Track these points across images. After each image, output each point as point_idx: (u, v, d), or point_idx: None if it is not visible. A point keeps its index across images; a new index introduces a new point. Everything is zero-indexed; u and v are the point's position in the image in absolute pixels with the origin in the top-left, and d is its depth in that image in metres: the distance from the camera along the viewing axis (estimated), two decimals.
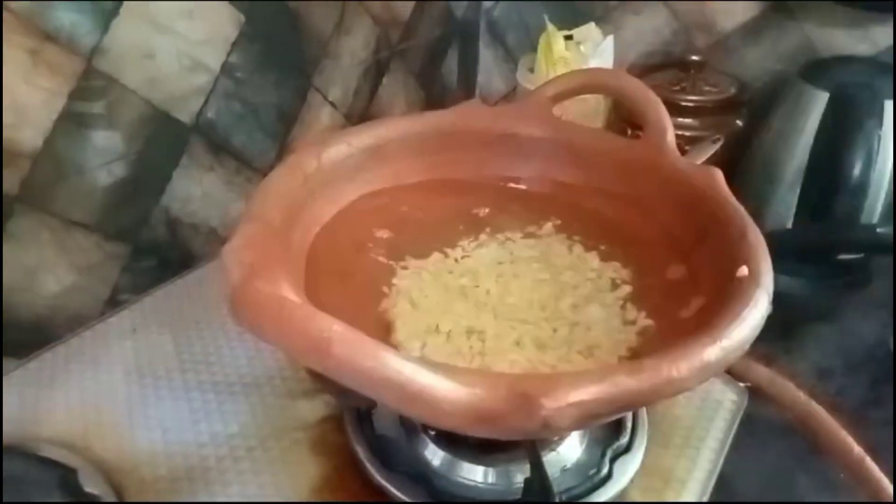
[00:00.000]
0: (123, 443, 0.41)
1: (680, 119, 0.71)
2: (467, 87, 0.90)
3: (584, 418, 0.25)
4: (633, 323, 0.36)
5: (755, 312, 0.29)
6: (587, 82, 0.46)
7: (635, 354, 0.34)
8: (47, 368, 0.46)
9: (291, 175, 0.38)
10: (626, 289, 0.38)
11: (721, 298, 0.31)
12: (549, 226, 0.43)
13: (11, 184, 0.49)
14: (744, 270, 0.32)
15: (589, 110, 0.71)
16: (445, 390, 0.24)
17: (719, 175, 0.39)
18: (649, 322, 0.36)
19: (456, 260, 0.41)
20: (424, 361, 0.25)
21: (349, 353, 0.23)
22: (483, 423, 0.25)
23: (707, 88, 0.74)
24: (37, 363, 0.46)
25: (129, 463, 0.40)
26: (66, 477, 0.38)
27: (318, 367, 0.24)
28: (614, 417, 0.38)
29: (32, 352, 0.48)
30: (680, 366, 0.27)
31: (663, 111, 0.42)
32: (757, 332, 0.29)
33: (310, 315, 0.24)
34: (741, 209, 0.36)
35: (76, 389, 0.44)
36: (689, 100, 0.73)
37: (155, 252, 0.60)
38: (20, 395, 0.43)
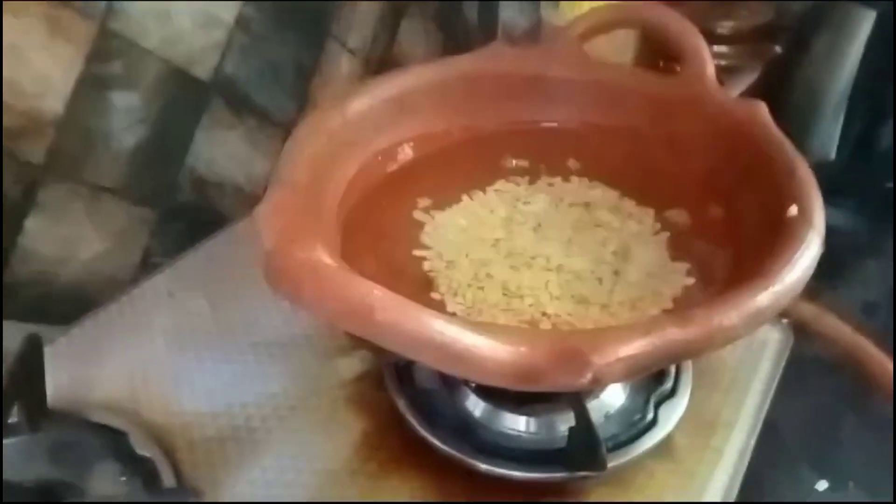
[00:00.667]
0: (170, 406, 0.41)
1: (715, 47, 0.67)
2: (488, 25, 0.87)
3: (632, 372, 0.25)
4: (676, 271, 0.35)
5: (807, 255, 0.28)
6: (619, 17, 0.44)
7: (679, 304, 0.33)
8: (90, 336, 0.46)
9: (316, 133, 0.37)
10: (666, 234, 0.37)
11: (770, 240, 0.30)
12: (583, 170, 0.41)
13: (38, 154, 0.48)
14: (794, 210, 0.30)
15: (617, 44, 0.68)
16: (490, 349, 0.24)
17: (764, 109, 0.37)
18: (691, 268, 0.34)
19: (491, 210, 0.40)
20: (468, 321, 0.24)
21: (391, 318, 0.23)
22: (530, 380, 0.24)
23: (743, 13, 0.70)
24: (79, 330, 0.47)
25: (177, 425, 0.40)
26: (117, 440, 0.39)
27: (359, 332, 0.24)
28: (664, 367, 0.37)
29: (74, 319, 0.48)
30: (730, 314, 0.26)
31: (702, 43, 0.39)
32: (809, 274, 0.28)
33: (349, 280, 0.24)
34: (788, 145, 0.34)
35: (120, 355, 0.45)
36: (725, 26, 0.69)
37: (183, 214, 0.59)
38: (67, 362, 0.44)
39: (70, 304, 0.52)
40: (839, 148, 0.64)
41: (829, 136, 0.64)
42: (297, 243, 0.26)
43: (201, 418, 0.41)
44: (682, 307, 0.33)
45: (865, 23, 0.60)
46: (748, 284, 0.27)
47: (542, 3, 0.74)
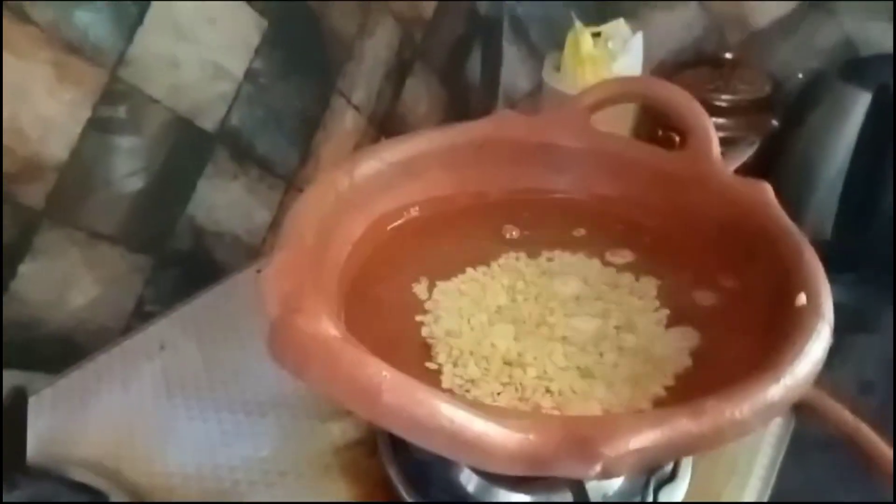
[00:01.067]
0: (154, 466, 0.40)
1: (713, 119, 0.69)
2: (491, 85, 0.88)
3: (643, 464, 0.24)
4: (678, 348, 0.34)
5: (818, 346, 0.28)
6: (626, 90, 0.44)
7: (681, 383, 0.33)
8: (76, 387, 0.45)
9: (323, 194, 0.37)
10: (666, 311, 0.37)
11: (778, 324, 0.30)
12: (588, 241, 0.41)
13: (37, 199, 0.48)
14: (802, 299, 0.30)
15: (618, 111, 0.69)
16: (498, 437, 0.23)
17: (770, 190, 0.37)
18: (696, 344, 0.34)
19: (492, 278, 0.39)
20: (475, 406, 0.24)
21: (400, 402, 0.22)
22: (538, 468, 0.24)
23: (741, 87, 0.71)
24: (66, 381, 0.46)
25: (161, 487, 0.39)
26: (96, 501, 0.37)
27: (366, 414, 0.23)
28: (672, 460, 0.36)
29: (61, 366, 0.47)
30: (742, 407, 0.25)
31: (707, 120, 0.40)
32: (820, 366, 0.28)
33: (358, 360, 0.23)
34: (795, 229, 0.34)
35: (106, 409, 0.44)
36: (723, 99, 0.70)
37: (180, 262, 0.59)
38: (50, 414, 0.43)
39: (57, 352, 0.51)
40: (836, 223, 0.65)
41: (826, 211, 0.65)
42: (302, 313, 0.26)
43: (186, 480, 0.39)
44: (683, 386, 0.32)
45: (860, 104, 0.62)
46: (759, 377, 0.26)
47: (545, 67, 0.75)
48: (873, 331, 0.61)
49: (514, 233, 0.42)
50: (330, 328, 0.26)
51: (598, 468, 0.23)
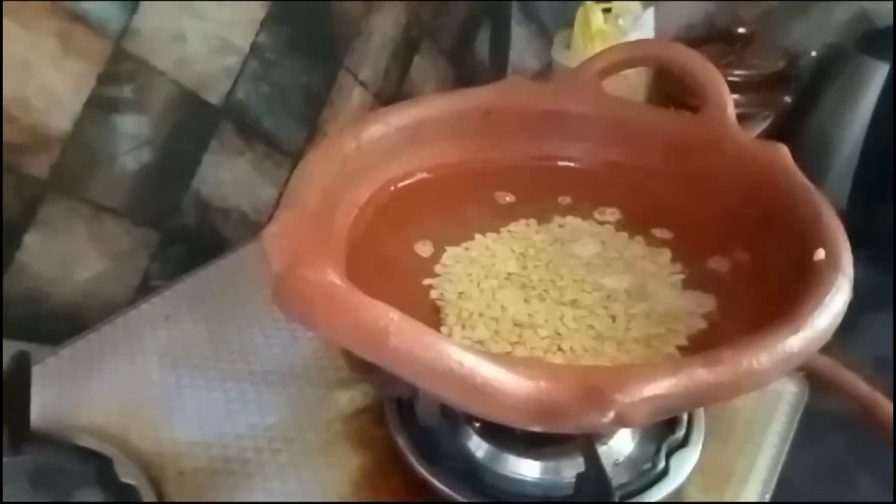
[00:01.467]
0: (160, 433, 0.40)
1: None
2: (499, 65, 0.87)
3: (657, 413, 0.23)
4: (691, 311, 0.33)
5: (837, 299, 0.27)
6: (638, 54, 0.43)
7: (694, 344, 0.32)
8: (81, 357, 0.45)
9: (329, 158, 0.37)
10: (681, 276, 0.36)
11: (796, 283, 0.29)
12: (600, 208, 0.41)
13: (42, 169, 0.48)
14: (821, 254, 0.29)
15: (629, 86, 0.68)
16: (509, 383, 0.23)
17: (786, 152, 0.36)
18: (710, 309, 0.33)
19: (504, 245, 0.39)
20: (485, 352, 0.23)
21: (408, 344, 0.22)
22: (549, 417, 0.23)
23: (755, 62, 0.70)
24: (69, 351, 0.45)
25: (167, 454, 0.39)
26: (102, 467, 0.37)
27: (373, 358, 0.22)
28: (688, 411, 0.36)
29: (66, 340, 0.47)
30: (760, 357, 0.24)
31: (723, 83, 0.39)
32: (839, 320, 0.27)
33: (364, 303, 0.22)
34: (813, 188, 0.34)
35: (111, 378, 0.43)
36: (736, 74, 0.69)
37: (185, 238, 0.58)
38: (55, 383, 0.43)
39: (63, 325, 0.50)
40: (851, 199, 0.63)
41: (841, 186, 0.64)
42: (308, 265, 0.25)
43: (192, 447, 0.39)
44: (697, 347, 0.32)
45: (878, 76, 0.60)
46: (778, 328, 0.25)
47: (555, 45, 0.75)
48: (888, 307, 0.60)
49: (527, 193, 0.41)
50: (335, 278, 0.25)
51: (611, 416, 0.23)
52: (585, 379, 0.23)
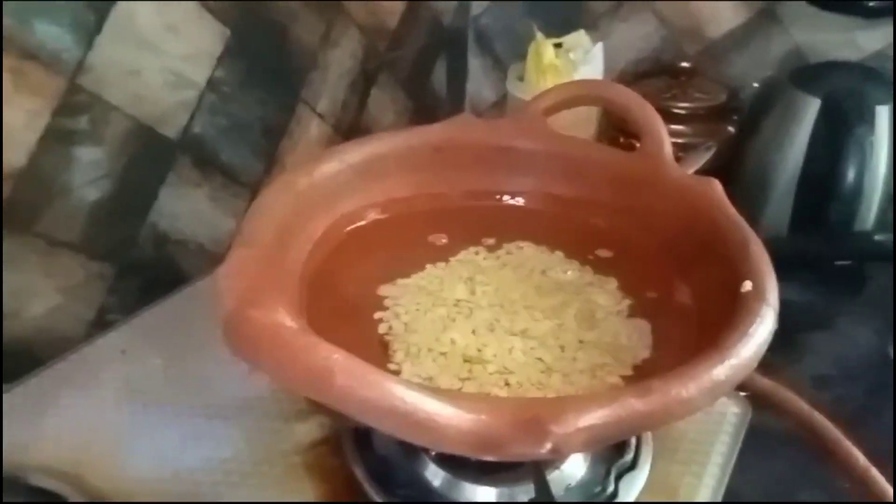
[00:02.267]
0: (115, 471, 0.39)
1: (672, 126, 0.70)
2: (456, 96, 0.89)
3: (593, 442, 0.25)
4: (637, 340, 0.35)
5: (762, 329, 0.29)
6: (581, 93, 0.45)
7: (638, 373, 0.34)
8: (34, 394, 0.44)
9: (282, 194, 0.38)
10: (627, 303, 0.38)
11: (726, 315, 0.30)
12: (546, 240, 0.42)
13: None
14: (747, 286, 0.31)
15: (580, 119, 0.71)
16: (450, 417, 0.24)
17: (718, 187, 0.38)
18: (651, 340, 0.35)
19: (451, 271, 0.40)
20: (428, 388, 0.24)
21: (352, 384, 0.23)
22: (490, 449, 0.24)
23: (698, 95, 0.74)
24: (22, 388, 0.45)
25: (123, 492, 0.38)
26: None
27: (319, 398, 0.23)
28: (623, 439, 0.37)
29: (18, 377, 0.46)
30: (688, 386, 0.26)
31: (660, 122, 0.41)
32: (764, 349, 0.29)
33: (309, 344, 0.23)
34: (742, 222, 0.36)
35: (65, 415, 0.43)
36: (681, 107, 0.73)
37: (142, 271, 0.58)
38: (7, 422, 0.42)
39: (15, 362, 0.50)
40: (791, 224, 0.67)
41: (781, 212, 0.67)
42: (257, 305, 0.26)
43: (147, 484, 0.39)
44: (640, 376, 0.33)
45: (811, 110, 0.64)
46: (705, 358, 0.27)
47: (508, 77, 0.77)
48: (827, 328, 0.63)
49: (477, 226, 0.42)
50: (285, 318, 0.26)
51: (548, 446, 0.24)
52: (523, 411, 0.24)
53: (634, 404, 0.25)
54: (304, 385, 0.23)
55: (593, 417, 0.24)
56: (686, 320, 0.35)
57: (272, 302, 0.27)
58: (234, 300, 0.27)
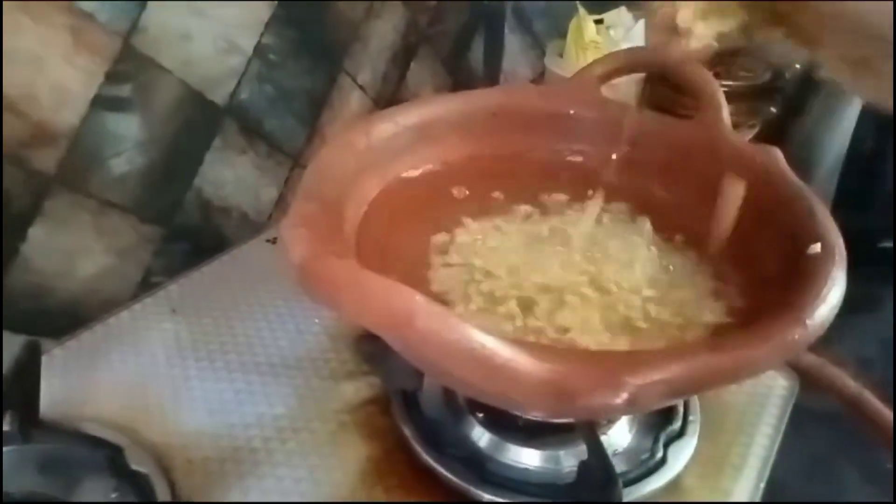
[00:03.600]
0: (168, 423, 0.40)
1: None
2: (492, 72, 0.89)
3: (668, 395, 0.25)
4: (709, 305, 0.35)
5: (835, 290, 0.28)
6: (636, 61, 0.45)
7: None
8: (87, 348, 0.45)
9: (342, 153, 0.38)
10: (688, 265, 0.38)
11: (793, 277, 0.30)
12: (602, 203, 0.42)
13: (49, 164, 0.48)
14: (816, 247, 0.31)
15: (621, 96, 0.70)
16: (527, 365, 0.24)
17: (779, 154, 0.38)
18: (715, 302, 0.35)
19: (518, 232, 0.40)
20: (507, 337, 0.24)
21: (432, 326, 0.23)
22: (565, 399, 0.24)
23: (742, 74, 0.72)
24: (76, 342, 0.46)
25: (175, 443, 0.39)
26: (112, 455, 0.37)
27: (398, 339, 0.23)
28: (695, 395, 0.37)
29: (70, 332, 0.47)
30: (762, 345, 0.26)
31: (718, 90, 0.41)
32: (836, 310, 0.29)
33: (391, 287, 0.23)
34: (806, 188, 0.35)
35: (118, 369, 0.44)
36: (724, 85, 0.71)
37: (188, 236, 0.59)
38: (61, 373, 0.43)
39: (66, 319, 0.51)
40: (834, 207, 0.66)
41: (824, 194, 0.66)
42: (331, 251, 0.26)
43: (201, 437, 0.40)
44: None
45: None
46: (778, 318, 0.27)
47: (548, 53, 0.76)
48: (871, 310, 0.62)
49: (536, 190, 0.42)
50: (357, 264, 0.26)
51: (624, 396, 0.24)
52: (600, 362, 0.24)
53: (709, 360, 0.25)
54: (384, 326, 0.23)
55: (669, 371, 0.24)
56: (747, 284, 0.34)
57: (342, 249, 0.27)
58: (307, 247, 0.27)
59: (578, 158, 0.44)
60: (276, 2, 0.59)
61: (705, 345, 0.25)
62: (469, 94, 0.44)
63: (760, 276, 0.35)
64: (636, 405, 0.24)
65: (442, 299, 0.36)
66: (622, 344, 0.32)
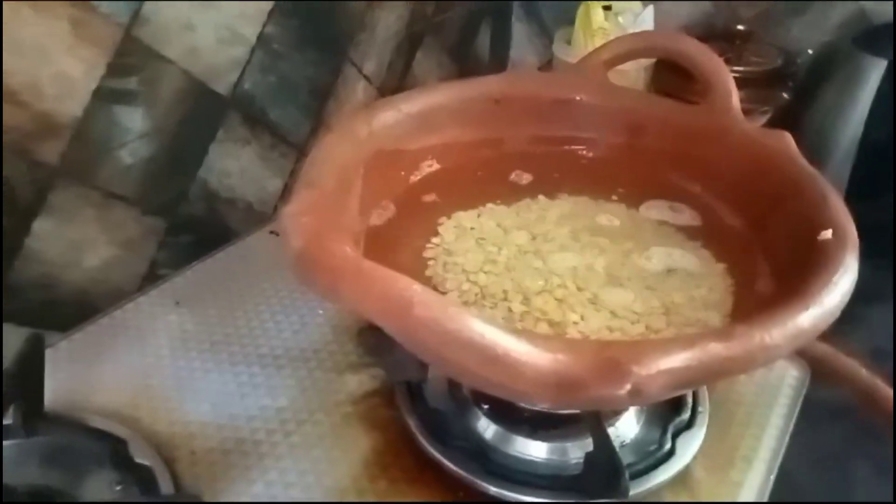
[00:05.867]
0: (172, 415, 0.40)
1: None
2: (499, 61, 0.88)
3: (674, 385, 0.24)
4: (711, 290, 0.34)
5: (846, 277, 0.28)
6: (644, 45, 0.44)
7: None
8: (92, 341, 0.45)
9: (344, 141, 0.37)
10: (698, 252, 0.37)
11: (805, 264, 0.29)
12: (608, 191, 0.41)
13: (52, 156, 0.48)
14: (828, 233, 0.30)
15: (628, 82, 0.69)
16: (529, 355, 0.23)
17: (790, 139, 0.37)
18: (725, 289, 0.34)
19: (509, 220, 0.39)
20: (507, 326, 0.23)
21: (431, 315, 0.22)
22: (568, 389, 0.23)
23: (753, 59, 0.71)
24: (81, 335, 0.46)
25: (179, 435, 0.39)
26: (116, 447, 0.37)
27: (397, 328, 0.23)
28: (702, 386, 0.36)
29: (73, 327, 0.47)
30: (772, 333, 0.25)
31: (727, 73, 0.40)
32: (847, 297, 0.28)
33: (389, 276, 0.23)
34: (817, 174, 0.34)
35: (123, 361, 0.44)
36: (735, 71, 0.70)
37: (192, 228, 0.59)
38: (66, 366, 0.43)
39: (71, 312, 0.51)
40: (848, 194, 0.64)
41: (838, 181, 0.65)
42: (331, 239, 0.26)
43: (204, 428, 0.39)
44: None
45: (876, 72, 0.62)
46: (788, 305, 0.26)
47: (556, 41, 0.75)
48: (885, 299, 0.61)
49: (537, 175, 0.42)
50: (357, 253, 0.26)
51: (628, 387, 0.23)
52: (604, 351, 0.24)
53: (717, 348, 0.24)
54: (382, 314, 0.23)
55: (675, 360, 0.24)
56: (757, 271, 0.34)
57: (342, 238, 0.27)
58: (307, 234, 0.26)
59: (584, 146, 0.43)
60: None
61: (713, 333, 0.25)
62: (472, 82, 0.43)
63: (772, 264, 0.34)
64: (641, 396, 0.24)
65: (440, 290, 0.35)
66: (625, 336, 0.31)
